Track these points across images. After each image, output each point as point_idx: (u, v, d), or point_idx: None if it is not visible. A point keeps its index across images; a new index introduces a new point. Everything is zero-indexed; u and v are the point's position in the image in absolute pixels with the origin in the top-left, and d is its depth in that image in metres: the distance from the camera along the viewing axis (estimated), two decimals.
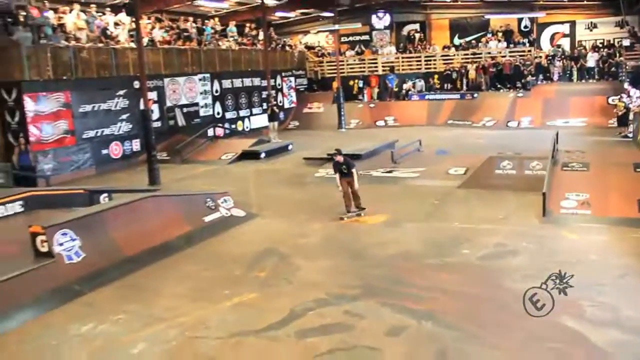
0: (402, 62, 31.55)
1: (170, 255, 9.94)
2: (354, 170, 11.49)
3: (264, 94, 27.69)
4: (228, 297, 7.99)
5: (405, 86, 30.12)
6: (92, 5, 21.39)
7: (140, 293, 8.38)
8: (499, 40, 30.24)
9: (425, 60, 31.02)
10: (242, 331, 6.91)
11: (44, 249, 8.56)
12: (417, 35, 33.01)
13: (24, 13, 18.28)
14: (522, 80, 27.45)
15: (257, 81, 28.11)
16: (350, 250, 9.74)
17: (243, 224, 11.78)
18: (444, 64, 30.44)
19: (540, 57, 28.52)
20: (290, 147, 21.95)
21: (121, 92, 20.37)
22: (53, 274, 8.39)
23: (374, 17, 34.13)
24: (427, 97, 29.32)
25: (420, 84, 30.28)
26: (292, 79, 31.54)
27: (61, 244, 8.67)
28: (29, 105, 17.12)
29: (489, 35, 30.80)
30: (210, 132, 24.16)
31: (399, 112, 28.80)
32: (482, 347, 6.26)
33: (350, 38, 34.82)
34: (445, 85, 29.74)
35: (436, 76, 30.22)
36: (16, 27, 17.60)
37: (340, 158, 11.66)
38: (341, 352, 6.30)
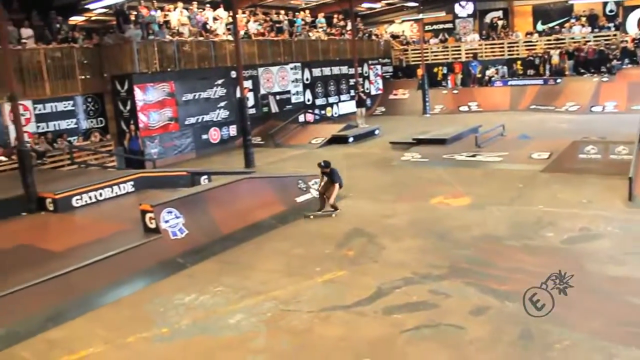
0: (485, 49, 31.16)
1: (264, 233, 10.46)
2: (336, 185, 11.49)
3: (352, 82, 28.30)
4: (319, 274, 8.31)
5: (488, 72, 29.78)
6: (193, 3, 22.68)
7: (237, 268, 8.89)
8: (583, 25, 29.23)
9: (508, 47, 30.53)
10: (331, 306, 7.18)
11: (152, 226, 9.37)
12: (500, 22, 32.48)
13: (135, 12, 19.82)
14: (607, 65, 26.42)
15: (345, 69, 28.75)
16: (435, 232, 9.83)
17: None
18: (527, 50, 29.80)
19: (626, 41, 27.32)
20: (377, 131, 22.31)
21: (219, 82, 21.56)
22: (160, 248, 9.14)
23: (457, 5, 33.89)
24: (509, 82, 28.92)
25: (503, 70, 29.86)
26: (379, 66, 31.91)
27: (167, 221, 9.45)
28: (139, 95, 18.56)
29: (573, 21, 29.85)
30: (301, 118, 24.96)
31: (482, 98, 28.55)
32: (565, 328, 6.21)
33: (434, 26, 34.80)
34: (528, 71, 29.10)
35: (519, 62, 29.71)
36: (128, 26, 19.15)
37: (326, 170, 11.63)
38: (427, 329, 6.41)
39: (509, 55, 30.40)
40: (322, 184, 11.67)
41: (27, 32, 17.93)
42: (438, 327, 6.50)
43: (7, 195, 12.07)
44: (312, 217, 11.36)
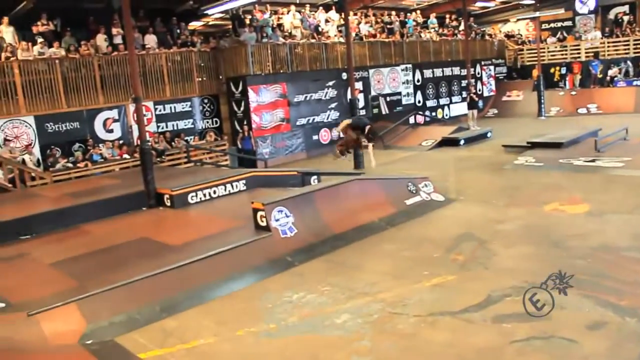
0: (608, 47, 29.35)
1: (373, 234, 10.36)
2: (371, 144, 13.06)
3: (464, 83, 27.67)
4: (427, 278, 8.13)
5: (610, 72, 28.06)
6: (306, 6, 23.11)
7: (344, 268, 8.85)
8: None
9: (634, 44, 28.52)
10: (439, 311, 7.00)
11: (263, 224, 9.55)
12: (626, 18, 30.41)
13: (250, 16, 20.46)
14: None
15: (456, 70, 28.24)
16: (549, 239, 9.37)
17: (442, 208, 11.89)
18: None
19: None
20: (489, 134, 21.76)
21: (330, 83, 21.80)
22: (270, 246, 9.29)
23: (577, 1, 32.13)
24: (635, 82, 27.09)
25: (627, 66, 28.03)
26: (492, 67, 31.07)
27: (277, 220, 9.60)
28: (252, 96, 19.14)
29: None
30: (411, 120, 24.76)
31: (603, 99, 27.06)
32: None
33: (552, 25, 33.31)
34: None
35: None
36: (242, 29, 19.82)
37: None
38: (538, 341, 6.11)
39: (634, 53, 28.49)
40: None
41: (151, 38, 19.05)
42: (550, 339, 6.13)
43: (130, 191, 12.83)
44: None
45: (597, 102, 27.14)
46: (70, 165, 16.30)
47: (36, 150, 16.28)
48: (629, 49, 28.75)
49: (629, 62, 28.17)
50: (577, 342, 6.03)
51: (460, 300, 7.27)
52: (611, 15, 31.76)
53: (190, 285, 8.08)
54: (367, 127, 12.67)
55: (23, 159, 15.64)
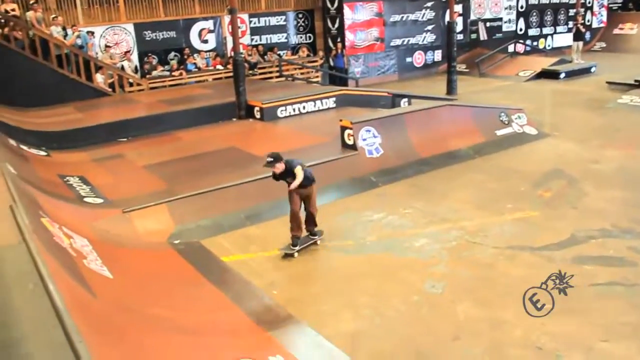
0: None
1: (460, 162, 10.19)
2: (314, 185, 7.07)
3: (571, 12, 25.86)
4: (509, 211, 7.95)
5: None
6: None
7: (428, 193, 8.77)
8: None
9: None
10: (518, 245, 6.86)
11: (350, 142, 9.57)
12: None
13: None
14: None
15: None
16: None
17: (534, 142, 11.46)
18: None
19: None
20: (593, 69, 20.38)
21: (429, 4, 20.99)
22: (355, 164, 9.32)
23: None
24: None
25: None
26: None
27: (364, 139, 9.59)
28: (347, 13, 18.74)
29: None
30: (510, 48, 23.53)
31: None
32: None
33: None
34: None
35: None
36: None
37: (278, 168, 6.76)
38: (619, 287, 5.86)
39: None
40: (290, 195, 6.93)
41: None
42: (633, 287, 5.85)
43: (221, 101, 13.09)
44: (295, 254, 6.81)
45: None
46: (165, 73, 16.71)
47: (134, 57, 16.76)
48: None
49: None
50: None
51: (541, 237, 7.06)
52: None
53: (274, 197, 8.17)
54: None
55: (122, 65, 16.17)
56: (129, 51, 16.62)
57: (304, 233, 7.00)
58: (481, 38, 23.38)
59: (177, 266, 6.40)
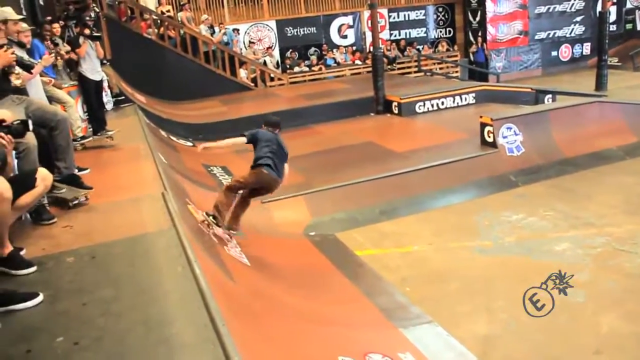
0: None
1: (608, 163, 9.62)
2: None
3: None
4: None
5: None
6: None
7: (571, 195, 8.37)
8: None
9: None
10: None
11: (490, 139, 9.32)
12: None
13: None
14: None
15: None
16: None
17: None
18: None
19: None
20: None
21: None
22: (494, 162, 9.07)
23: None
24: None
25: None
26: None
27: (505, 137, 9.29)
28: (490, 6, 18.21)
29: None
30: None
31: None
32: None
33: None
34: None
35: None
36: None
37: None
38: None
39: None
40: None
41: None
42: None
43: (360, 96, 13.21)
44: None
45: None
46: (305, 68, 17.12)
47: (276, 52, 17.33)
48: None
49: None
50: None
51: None
52: None
53: (410, 193, 8.21)
54: None
55: (264, 61, 16.78)
56: (271, 47, 17.22)
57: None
58: (638, 28, 21.66)
59: (312, 257, 6.55)
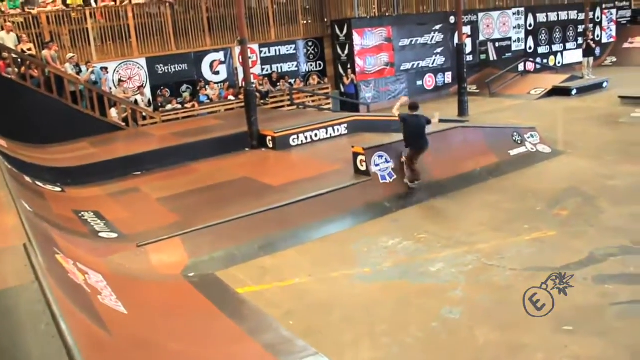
0: None
1: (474, 184, 10.14)
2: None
3: (580, 28, 26.01)
4: (526, 231, 7.89)
5: None
6: None
7: (442, 216, 8.78)
8: None
9: None
10: (536, 266, 6.77)
11: (363, 168, 9.53)
12: None
13: None
14: None
15: (573, 14, 26.59)
16: None
17: (548, 161, 11.41)
18: None
19: None
20: (605, 84, 20.39)
21: (437, 27, 21.15)
22: (369, 190, 9.28)
23: None
24: None
25: None
26: (614, 11, 28.80)
27: (377, 165, 9.54)
28: (357, 39, 18.93)
29: None
30: (520, 67, 23.64)
31: None
32: None
33: None
34: None
35: None
36: None
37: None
38: None
39: None
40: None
41: None
42: None
43: (234, 132, 13.16)
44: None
45: None
46: (178, 105, 16.87)
47: (147, 90, 16.95)
48: None
49: None
50: None
51: (560, 257, 6.98)
52: None
53: (289, 226, 8.23)
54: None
55: (135, 99, 16.37)
56: (142, 85, 16.83)
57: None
58: (491, 58, 23.46)
59: (192, 299, 6.37)
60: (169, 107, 16.67)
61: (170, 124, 15.90)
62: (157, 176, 11.33)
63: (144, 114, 16.06)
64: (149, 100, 16.92)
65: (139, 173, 11.58)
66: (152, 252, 7.26)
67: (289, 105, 17.92)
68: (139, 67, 16.80)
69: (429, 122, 9.74)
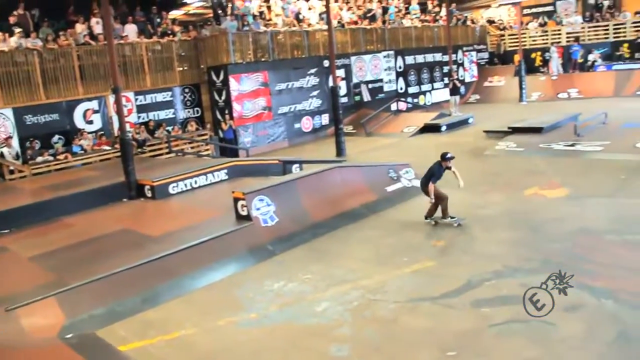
0: (588, 31, 29.42)
1: (354, 221, 10.40)
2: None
3: (446, 69, 27.84)
4: (407, 264, 8.19)
5: (590, 57, 28.13)
6: None
7: (325, 256, 8.89)
8: None
9: (614, 29, 28.57)
10: (418, 297, 7.08)
11: (244, 213, 9.54)
12: (606, 3, 30.43)
13: (231, 4, 20.31)
14: None
15: (438, 56, 28.34)
16: (529, 224, 9.44)
17: (423, 195, 11.92)
18: (636, 31, 27.79)
19: None
20: (470, 120, 21.88)
21: (312, 71, 21.74)
22: (251, 235, 9.29)
23: None
24: (614, 67, 27.18)
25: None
26: (474, 53, 31.19)
27: (258, 209, 9.58)
28: (233, 85, 19.05)
29: None
30: (393, 107, 24.78)
31: (583, 84, 27.20)
32: None
33: (533, 10, 33.26)
34: (636, 54, 27.21)
35: (626, 45, 27.85)
36: (224, 18, 19.69)
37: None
38: (516, 324, 6.20)
39: (614, 37, 28.56)
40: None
41: (131, 27, 18.93)
42: (529, 322, 6.23)
43: (110, 182, 12.75)
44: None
45: (578, 87, 27.30)
46: (50, 157, 16.12)
47: (15, 142, 16.06)
48: (608, 33, 28.83)
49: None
50: (555, 324, 6.12)
51: (439, 286, 7.35)
52: (591, 0, 31.84)
53: (172, 276, 8.07)
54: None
55: (1, 152, 15.46)
56: (8, 137, 15.94)
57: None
58: (365, 99, 24.38)
59: None
60: (39, 159, 15.88)
61: (41, 177, 15.11)
62: (28, 233, 10.71)
63: (11, 168, 15.20)
64: (17, 153, 16.04)
65: (7, 231, 10.89)
66: (23, 316, 6.86)
67: (167, 153, 17.63)
68: (4, 118, 15.93)
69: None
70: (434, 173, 10.02)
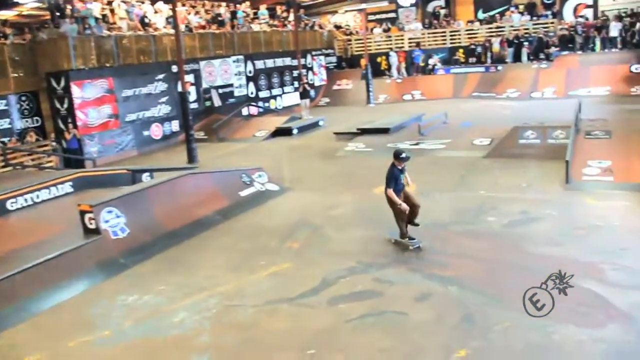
0: (428, 37, 31.58)
1: (208, 228, 10.36)
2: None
3: (295, 73, 28.32)
4: (264, 267, 8.31)
5: (431, 61, 30.14)
6: None
7: (181, 265, 8.78)
8: (522, 13, 30.07)
9: (450, 35, 30.96)
10: (276, 299, 7.22)
11: (92, 226, 9.12)
12: (442, 11, 33.21)
13: (70, 6, 19.22)
14: (545, 52, 27.23)
15: (288, 61, 28.83)
16: (380, 220, 9.71)
17: (277, 198, 12.12)
18: (469, 38, 30.39)
19: (565, 28, 28.13)
20: (321, 122, 22.44)
21: (160, 77, 21.15)
22: (100, 249, 8.92)
23: None
24: (452, 70, 29.39)
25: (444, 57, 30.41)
26: (322, 57, 32.06)
27: (107, 221, 9.21)
28: (76, 92, 18.03)
29: (512, 9, 30.55)
30: (244, 111, 24.92)
31: (426, 86, 28.97)
32: (505, 311, 6.40)
33: (377, 16, 35.13)
34: (470, 59, 29.72)
35: (461, 50, 30.28)
36: (63, 20, 18.58)
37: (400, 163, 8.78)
38: (371, 318, 6.51)
39: (451, 43, 30.80)
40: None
41: None
42: (382, 314, 6.59)
43: None
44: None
45: (421, 89, 28.97)
46: None
47: None
48: (446, 39, 31.00)
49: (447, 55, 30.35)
50: (407, 314, 6.55)
51: (296, 287, 7.53)
52: (429, 8, 34.19)
53: (15, 300, 7.54)
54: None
55: None
56: None
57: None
58: (215, 104, 24.16)
59: None
60: None
61: None
62: None
63: None
64: None
65: None
66: None
67: (3, 167, 16.36)
68: None
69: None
70: (390, 177, 8.70)
